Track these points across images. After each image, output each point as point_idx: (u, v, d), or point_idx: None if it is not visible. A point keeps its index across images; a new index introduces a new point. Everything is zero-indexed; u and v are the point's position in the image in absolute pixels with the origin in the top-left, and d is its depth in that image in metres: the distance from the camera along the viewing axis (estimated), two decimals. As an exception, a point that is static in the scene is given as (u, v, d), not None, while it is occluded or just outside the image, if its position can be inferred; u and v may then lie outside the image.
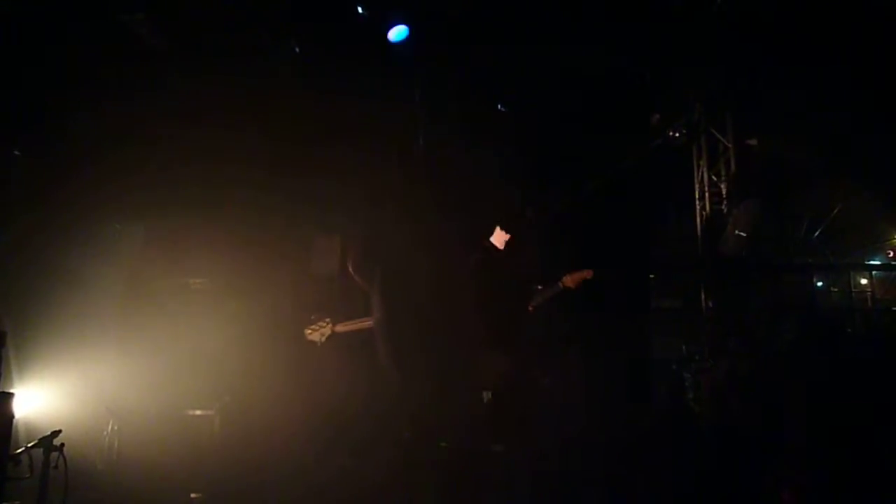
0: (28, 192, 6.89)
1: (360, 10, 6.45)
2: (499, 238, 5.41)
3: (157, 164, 7.31)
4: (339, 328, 5.33)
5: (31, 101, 6.67)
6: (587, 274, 5.64)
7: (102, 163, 7.03)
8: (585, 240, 7.78)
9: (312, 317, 5.44)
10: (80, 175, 7.01)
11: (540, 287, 5.64)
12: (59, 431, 4.11)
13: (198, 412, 6.15)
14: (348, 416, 6.40)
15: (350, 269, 4.07)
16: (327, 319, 5.37)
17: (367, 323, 5.25)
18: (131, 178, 7.20)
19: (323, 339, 5.36)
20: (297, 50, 6.95)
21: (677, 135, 8.30)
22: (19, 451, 3.94)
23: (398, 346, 3.66)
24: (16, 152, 6.88)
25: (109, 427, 5.81)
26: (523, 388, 6.45)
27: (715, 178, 8.49)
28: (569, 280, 5.62)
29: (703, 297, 8.38)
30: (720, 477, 5.18)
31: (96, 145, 7.00)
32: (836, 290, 11.31)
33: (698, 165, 8.62)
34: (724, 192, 8.40)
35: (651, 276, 9.95)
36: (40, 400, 6.09)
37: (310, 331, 5.38)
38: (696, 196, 8.64)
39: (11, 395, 4.43)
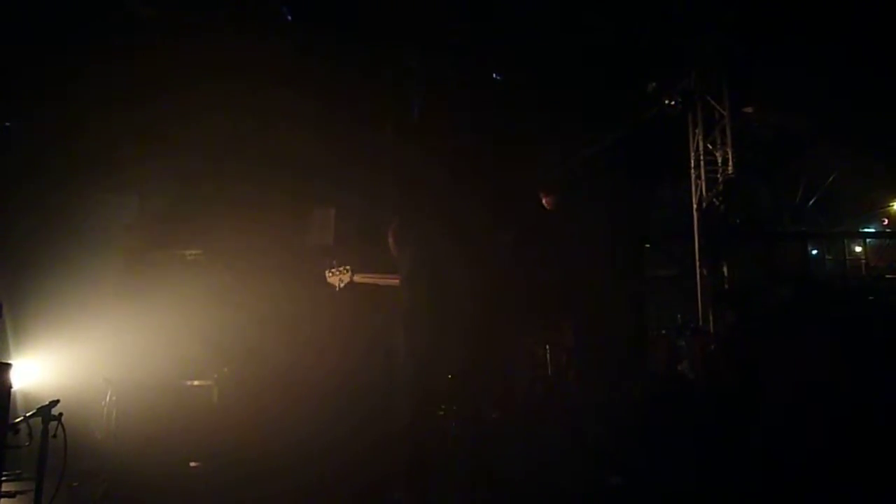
0: (23, 164, 6.86)
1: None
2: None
3: (150, 135, 7.28)
4: (358, 278, 5.27)
5: (23, 73, 6.62)
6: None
7: (96, 134, 7.00)
8: (580, 209, 7.78)
9: (334, 261, 5.39)
10: (74, 146, 6.99)
11: None
12: (58, 401, 4.13)
13: (196, 382, 6.17)
14: (347, 384, 6.44)
15: (391, 245, 4.10)
16: (347, 266, 5.30)
17: (386, 280, 5.21)
18: (125, 150, 7.17)
19: (342, 284, 5.29)
20: (290, 18, 6.88)
21: (673, 103, 8.27)
22: (18, 420, 3.96)
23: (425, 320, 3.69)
24: (6, 124, 6.83)
25: (108, 397, 5.83)
26: (517, 355, 6.50)
27: (710, 147, 8.48)
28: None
29: (697, 265, 8.42)
30: (715, 442, 5.23)
31: (90, 117, 6.96)
32: (830, 257, 11.37)
33: (694, 134, 8.61)
34: (719, 160, 8.40)
35: (646, 244, 9.98)
36: (38, 370, 6.11)
37: (330, 274, 5.31)
38: (692, 164, 8.63)
39: (9, 365, 4.45)
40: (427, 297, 3.74)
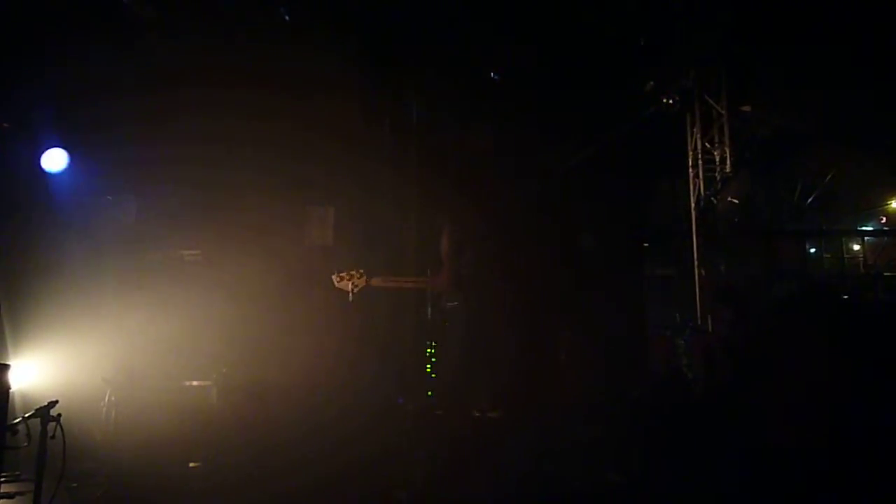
0: (21, 164, 6.86)
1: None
2: None
3: (149, 136, 7.27)
4: (376, 282, 5.08)
5: (22, 73, 6.61)
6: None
7: (94, 134, 7.00)
8: (579, 208, 7.78)
9: (341, 267, 5.18)
10: (73, 147, 6.98)
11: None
12: (56, 402, 4.13)
13: (195, 383, 6.17)
14: (349, 387, 6.45)
15: (443, 246, 4.12)
16: (361, 270, 5.09)
17: (408, 283, 5.10)
18: (124, 150, 7.17)
19: (356, 289, 5.09)
20: (287, 18, 6.88)
21: (671, 101, 8.26)
22: (16, 421, 3.96)
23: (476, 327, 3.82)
24: (5, 124, 6.82)
25: (107, 398, 5.83)
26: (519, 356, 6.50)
27: (708, 146, 8.47)
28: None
29: (696, 264, 8.41)
30: (714, 441, 5.24)
31: (88, 116, 6.96)
32: (828, 255, 11.38)
33: (692, 132, 8.60)
34: (717, 159, 8.39)
35: (645, 244, 9.97)
36: (36, 371, 6.11)
37: (338, 278, 5.07)
38: (690, 163, 8.62)
39: (7, 366, 4.45)
40: (489, 301, 3.86)
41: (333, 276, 5.11)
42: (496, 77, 7.87)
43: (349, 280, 5.06)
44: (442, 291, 5.06)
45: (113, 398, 5.85)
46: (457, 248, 4.09)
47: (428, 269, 5.18)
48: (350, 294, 5.06)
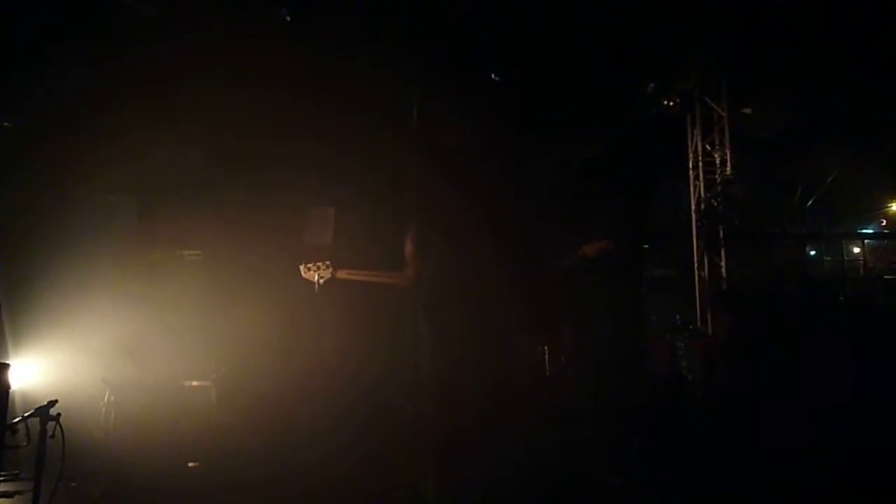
0: (22, 164, 6.86)
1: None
2: None
3: (149, 136, 7.28)
4: (342, 274, 5.02)
5: (23, 73, 6.61)
6: (607, 244, 5.55)
7: (95, 134, 7.00)
8: (579, 209, 7.78)
9: (306, 260, 5.13)
10: (73, 147, 6.99)
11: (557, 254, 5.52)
12: (56, 401, 4.12)
13: (194, 383, 6.17)
14: (349, 387, 6.45)
15: (407, 247, 4.10)
16: (327, 262, 5.06)
17: (375, 277, 5.04)
18: (124, 150, 7.17)
19: (321, 281, 5.05)
20: (289, 19, 6.87)
21: (671, 103, 8.26)
22: (16, 420, 3.95)
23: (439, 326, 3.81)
24: (6, 124, 6.83)
25: (106, 397, 5.83)
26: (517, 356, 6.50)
27: (709, 148, 8.48)
28: (589, 249, 5.52)
29: (696, 266, 8.42)
30: (714, 443, 5.24)
31: (89, 117, 6.96)
32: (828, 258, 11.40)
33: (692, 135, 8.60)
34: (718, 161, 8.40)
35: (645, 245, 9.98)
36: (36, 371, 6.11)
37: (305, 268, 4.98)
38: (691, 165, 8.62)
39: (7, 365, 4.45)
40: (451, 299, 3.83)
41: (301, 267, 5.07)
42: (497, 78, 7.87)
43: (315, 271, 5.01)
44: (407, 287, 5.00)
45: (112, 398, 5.86)
46: (419, 248, 4.08)
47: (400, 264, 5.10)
48: (315, 285, 4.99)
